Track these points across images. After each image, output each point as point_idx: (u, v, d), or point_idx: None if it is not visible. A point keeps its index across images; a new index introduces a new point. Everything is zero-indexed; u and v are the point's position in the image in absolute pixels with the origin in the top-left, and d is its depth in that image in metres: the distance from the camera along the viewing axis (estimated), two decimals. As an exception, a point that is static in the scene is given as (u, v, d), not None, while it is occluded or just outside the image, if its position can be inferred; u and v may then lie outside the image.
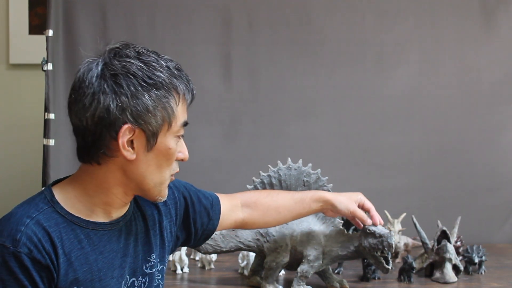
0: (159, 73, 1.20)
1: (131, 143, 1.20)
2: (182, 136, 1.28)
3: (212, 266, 2.09)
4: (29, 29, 2.76)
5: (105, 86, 1.18)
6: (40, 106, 2.41)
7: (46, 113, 2.33)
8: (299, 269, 1.81)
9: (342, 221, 1.88)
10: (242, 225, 1.64)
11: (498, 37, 2.61)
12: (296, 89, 2.60)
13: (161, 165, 1.24)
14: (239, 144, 2.59)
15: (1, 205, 2.36)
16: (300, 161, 1.88)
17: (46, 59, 2.34)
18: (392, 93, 2.61)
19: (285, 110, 2.60)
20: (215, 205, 1.55)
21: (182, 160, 1.28)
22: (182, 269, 2.04)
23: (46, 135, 2.33)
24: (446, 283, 1.92)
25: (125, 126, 1.18)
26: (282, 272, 2.00)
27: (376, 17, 2.61)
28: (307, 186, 1.84)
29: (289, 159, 1.88)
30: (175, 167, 1.28)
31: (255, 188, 1.87)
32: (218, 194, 1.58)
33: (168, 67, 1.22)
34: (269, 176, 1.87)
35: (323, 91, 2.60)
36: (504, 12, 2.61)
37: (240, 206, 1.62)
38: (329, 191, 1.84)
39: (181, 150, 1.28)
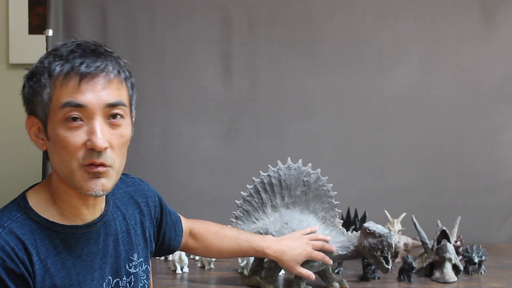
0: (43, 60, 1.19)
1: (40, 133, 1.21)
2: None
3: (212, 266, 2.09)
4: (29, 29, 2.76)
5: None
6: (40, 106, 2.40)
7: (46, 113, 2.33)
8: (299, 269, 1.81)
9: (342, 221, 1.88)
10: (185, 250, 1.69)
11: (498, 37, 2.61)
12: (296, 89, 2.60)
13: (60, 154, 1.17)
14: (239, 144, 2.59)
15: (1, 206, 2.36)
16: (300, 161, 1.88)
17: (46, 59, 2.34)
18: (392, 93, 2.61)
19: (285, 110, 2.60)
20: (179, 223, 1.59)
21: (92, 149, 1.15)
22: (182, 269, 2.04)
23: (46, 135, 2.33)
24: (446, 283, 1.92)
25: (28, 117, 1.22)
26: (282, 272, 1.99)
27: (376, 17, 2.61)
28: (307, 186, 1.84)
29: (289, 159, 1.88)
30: (85, 156, 1.16)
31: (255, 188, 1.87)
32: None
33: (61, 51, 1.18)
34: (269, 176, 1.87)
35: (323, 91, 2.60)
36: (504, 12, 2.61)
37: (189, 233, 1.66)
38: (329, 191, 1.84)
39: (90, 137, 1.15)
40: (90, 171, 1.17)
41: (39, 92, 1.17)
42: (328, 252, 1.79)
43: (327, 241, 1.79)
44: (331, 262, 1.78)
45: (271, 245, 1.73)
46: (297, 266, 1.74)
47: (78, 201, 1.23)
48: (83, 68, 1.15)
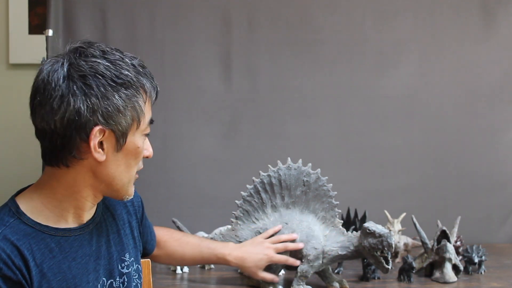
0: (126, 72, 1.19)
1: (101, 144, 1.19)
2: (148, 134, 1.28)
3: (212, 266, 2.09)
4: (29, 29, 2.76)
5: (75, 88, 1.15)
6: (40, 106, 2.40)
7: (46, 113, 2.33)
8: (299, 269, 1.81)
9: (342, 221, 1.88)
10: (150, 257, 1.67)
11: (498, 37, 2.61)
12: (296, 89, 2.60)
13: (129, 164, 1.24)
14: (239, 144, 2.59)
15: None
16: (300, 161, 1.88)
17: (46, 59, 2.34)
18: (392, 93, 2.61)
19: (285, 110, 2.60)
20: (152, 227, 1.60)
21: (147, 157, 1.29)
22: (182, 269, 2.04)
23: (46, 135, 2.33)
24: (446, 283, 1.92)
25: (96, 128, 1.16)
26: (282, 272, 1.99)
27: (376, 17, 2.61)
28: (307, 186, 1.84)
29: (289, 159, 1.88)
30: (140, 164, 1.29)
31: (255, 188, 1.87)
32: None
33: (133, 65, 1.21)
34: (269, 176, 1.87)
35: (323, 91, 2.60)
36: (504, 12, 2.61)
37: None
38: (329, 191, 1.84)
39: (146, 147, 1.28)
40: (136, 178, 1.29)
41: (136, 107, 1.20)
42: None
43: (293, 240, 1.79)
44: (297, 263, 1.79)
45: (232, 252, 1.74)
46: (259, 271, 1.76)
47: (90, 204, 1.26)
48: (157, 89, 1.27)
